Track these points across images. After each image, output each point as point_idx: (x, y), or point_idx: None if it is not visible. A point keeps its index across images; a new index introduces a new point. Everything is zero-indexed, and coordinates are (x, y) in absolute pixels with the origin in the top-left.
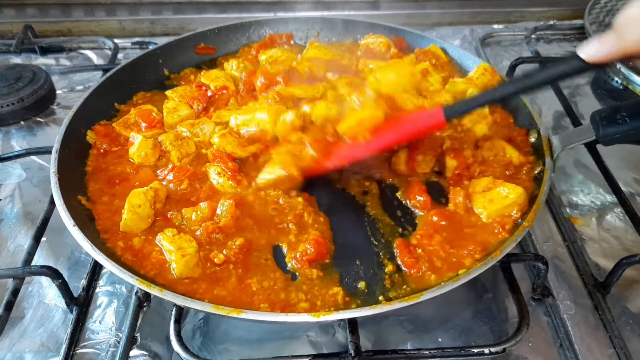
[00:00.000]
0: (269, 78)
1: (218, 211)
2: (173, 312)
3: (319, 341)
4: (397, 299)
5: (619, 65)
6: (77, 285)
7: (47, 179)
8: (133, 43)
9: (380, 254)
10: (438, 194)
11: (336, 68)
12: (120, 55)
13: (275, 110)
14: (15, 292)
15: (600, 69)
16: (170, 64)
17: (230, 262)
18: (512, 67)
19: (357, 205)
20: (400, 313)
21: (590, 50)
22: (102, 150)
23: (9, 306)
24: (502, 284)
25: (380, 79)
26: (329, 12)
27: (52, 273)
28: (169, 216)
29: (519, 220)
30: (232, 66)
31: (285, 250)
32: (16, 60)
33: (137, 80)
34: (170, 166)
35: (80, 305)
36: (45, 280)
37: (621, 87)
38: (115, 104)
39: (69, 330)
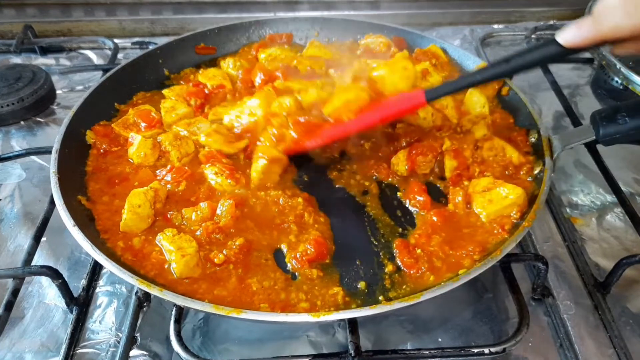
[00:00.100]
0: (267, 74)
1: (218, 211)
2: (173, 312)
3: (319, 341)
4: (397, 299)
5: (618, 66)
6: (77, 285)
7: (47, 179)
8: (133, 43)
9: (380, 254)
10: (438, 194)
11: (337, 67)
12: (120, 55)
13: (265, 94)
14: (15, 292)
15: (577, 54)
16: (170, 64)
17: (230, 262)
18: None
19: (357, 205)
20: (400, 313)
21: (568, 35)
22: (102, 151)
23: (9, 306)
24: (502, 284)
25: (376, 76)
26: (329, 12)
27: (52, 273)
28: (169, 216)
29: (519, 221)
30: (228, 64)
31: (285, 250)
32: (16, 60)
33: (137, 80)
34: (168, 167)
35: (80, 305)
36: (45, 280)
37: (621, 87)
38: (115, 104)
39: (69, 330)
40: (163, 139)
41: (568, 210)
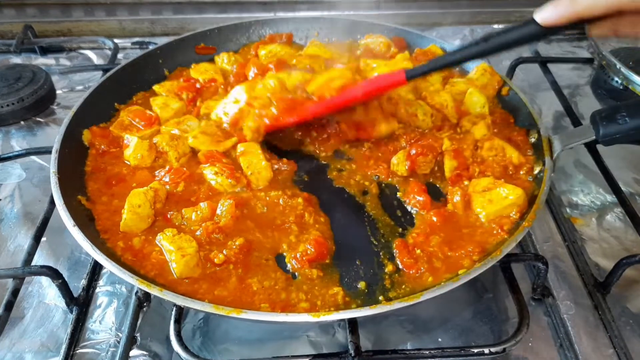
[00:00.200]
0: (261, 68)
1: (218, 211)
2: (173, 312)
3: (319, 341)
4: (397, 299)
5: (618, 66)
6: (77, 285)
7: (47, 179)
8: (133, 43)
9: (380, 254)
10: (438, 194)
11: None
12: (120, 55)
13: (250, 81)
14: (15, 292)
15: (555, 34)
16: (170, 64)
17: (230, 262)
18: (512, 67)
19: (357, 205)
20: (400, 313)
21: (545, 14)
22: (100, 151)
23: (9, 306)
24: (502, 284)
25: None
26: (329, 12)
27: (52, 273)
28: (169, 216)
29: (518, 222)
30: (223, 59)
31: (285, 250)
32: (16, 60)
33: (137, 80)
34: (167, 167)
35: (80, 305)
36: (45, 280)
37: (621, 87)
38: (115, 104)
39: (69, 330)
40: (159, 140)
41: (568, 210)
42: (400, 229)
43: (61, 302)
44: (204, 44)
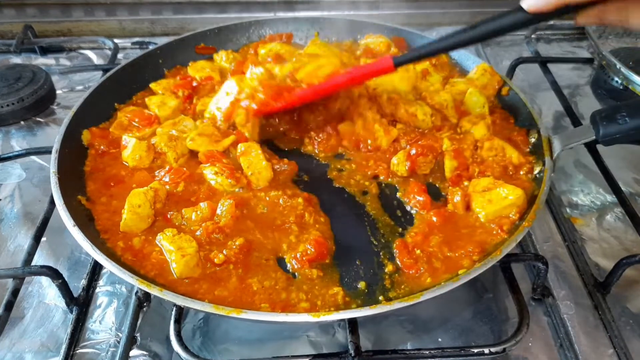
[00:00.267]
0: (258, 65)
1: (218, 211)
2: (173, 312)
3: (319, 341)
4: (397, 299)
5: (618, 66)
6: (77, 285)
7: (47, 179)
8: (133, 43)
9: (381, 254)
10: (438, 194)
11: None
12: (120, 55)
13: (241, 74)
14: (15, 292)
15: (543, 21)
16: (170, 64)
17: (230, 262)
18: (512, 67)
19: (357, 205)
20: (400, 313)
21: (532, 1)
22: (99, 151)
23: (9, 306)
24: (502, 284)
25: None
26: (329, 12)
27: (52, 273)
28: (168, 216)
29: (517, 222)
30: (222, 57)
31: (285, 250)
32: (16, 60)
33: (137, 80)
34: (167, 167)
35: (80, 305)
36: (45, 280)
37: (621, 87)
38: (115, 104)
39: (69, 330)
40: (158, 141)
41: (568, 210)
42: (400, 229)
43: (61, 302)
44: (204, 44)
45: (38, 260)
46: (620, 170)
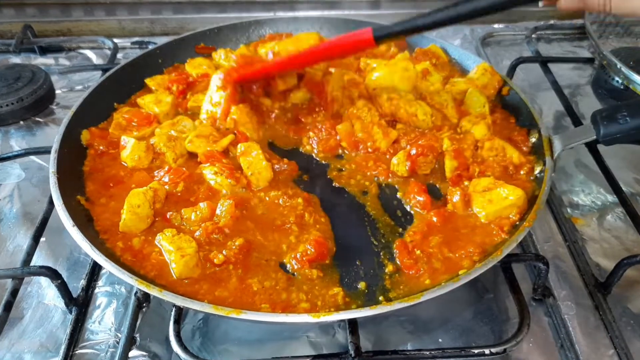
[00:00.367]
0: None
1: (218, 211)
2: (172, 313)
3: (319, 342)
4: (398, 299)
5: (619, 65)
6: (77, 286)
7: (46, 179)
8: (133, 43)
9: (381, 254)
10: (438, 194)
11: (337, 66)
12: (119, 55)
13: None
14: (14, 293)
15: (526, 3)
16: (169, 63)
17: (230, 263)
18: (513, 67)
19: (357, 205)
20: (400, 313)
21: None
22: (99, 152)
23: (8, 306)
24: (502, 285)
25: (377, 77)
26: (329, 12)
27: (51, 273)
28: (168, 216)
29: (517, 222)
30: (220, 55)
31: (285, 250)
32: (15, 60)
33: (137, 80)
34: (166, 168)
35: (80, 305)
36: (44, 281)
37: (622, 87)
38: (115, 104)
39: (68, 331)
40: (157, 141)
41: (569, 210)
42: (400, 229)
43: (60, 303)
44: (204, 44)
45: (37, 260)
46: (621, 170)
